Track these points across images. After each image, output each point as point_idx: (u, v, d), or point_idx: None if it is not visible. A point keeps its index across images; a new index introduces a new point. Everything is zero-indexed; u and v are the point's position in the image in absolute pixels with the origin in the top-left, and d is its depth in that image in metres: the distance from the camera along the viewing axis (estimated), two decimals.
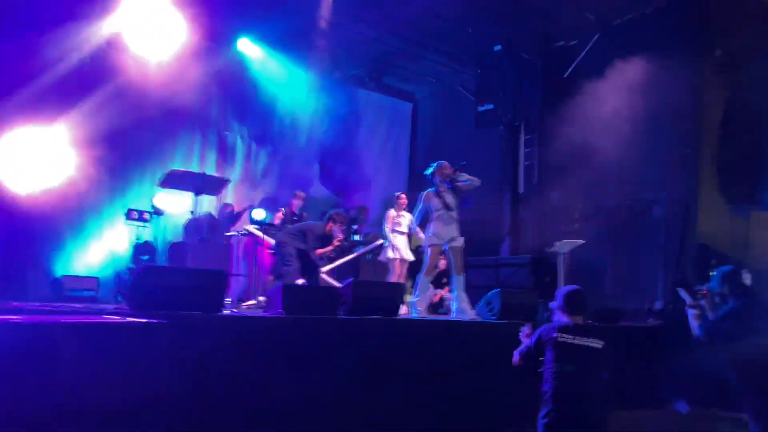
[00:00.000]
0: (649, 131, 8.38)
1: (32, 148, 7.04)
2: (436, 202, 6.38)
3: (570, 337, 3.42)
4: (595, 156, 9.01)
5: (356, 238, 8.60)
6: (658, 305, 7.48)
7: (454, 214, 6.42)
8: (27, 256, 6.94)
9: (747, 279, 4.40)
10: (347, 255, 7.99)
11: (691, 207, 7.79)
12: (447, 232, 6.34)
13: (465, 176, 6.50)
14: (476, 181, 6.54)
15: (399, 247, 7.45)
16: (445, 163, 6.58)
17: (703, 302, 4.18)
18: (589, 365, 3.40)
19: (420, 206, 6.52)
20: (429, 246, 6.35)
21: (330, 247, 6.66)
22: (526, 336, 3.72)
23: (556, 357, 3.38)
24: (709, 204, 7.74)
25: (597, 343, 3.44)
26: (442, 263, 7.23)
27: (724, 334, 3.92)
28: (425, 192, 6.52)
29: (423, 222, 6.74)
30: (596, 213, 8.73)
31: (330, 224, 6.60)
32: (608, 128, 8.83)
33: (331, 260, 7.53)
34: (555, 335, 3.43)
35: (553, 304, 3.76)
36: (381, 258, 7.74)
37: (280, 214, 7.82)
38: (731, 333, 3.88)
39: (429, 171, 6.57)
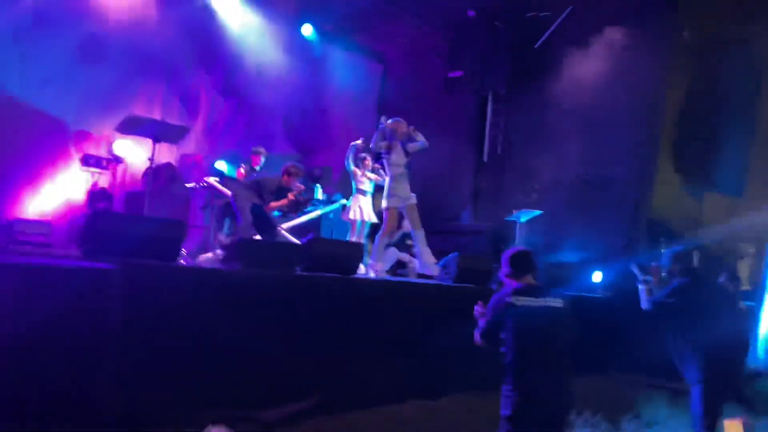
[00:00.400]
0: (613, 108, 8.52)
1: None
2: (394, 158, 6.37)
3: (526, 299, 3.17)
4: (559, 129, 9.16)
5: (319, 197, 8.57)
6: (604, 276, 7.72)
7: (407, 172, 6.46)
8: None
9: (695, 259, 4.57)
10: (309, 213, 7.96)
11: (647, 184, 7.98)
12: (404, 191, 6.37)
13: (420, 136, 6.47)
14: (425, 144, 6.51)
15: (362, 207, 7.45)
16: (403, 120, 6.54)
17: (651, 278, 4.36)
18: (553, 326, 3.17)
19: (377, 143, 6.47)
20: (388, 208, 6.36)
21: (285, 201, 6.47)
22: (480, 314, 3.42)
23: (517, 323, 3.13)
24: (665, 182, 7.95)
25: (557, 303, 3.23)
26: (406, 225, 7.27)
27: (668, 308, 4.11)
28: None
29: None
30: (556, 185, 8.88)
31: (285, 177, 6.45)
32: (573, 102, 8.96)
33: (288, 215, 7.47)
34: (510, 300, 3.17)
35: (500, 273, 3.49)
36: (343, 217, 7.73)
37: (241, 170, 7.70)
38: (675, 308, 4.07)
39: (384, 123, 6.52)
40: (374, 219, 7.56)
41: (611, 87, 8.57)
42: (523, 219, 7.70)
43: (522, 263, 3.39)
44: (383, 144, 6.38)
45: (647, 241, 8.13)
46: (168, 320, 3.68)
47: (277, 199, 6.42)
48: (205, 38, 9.01)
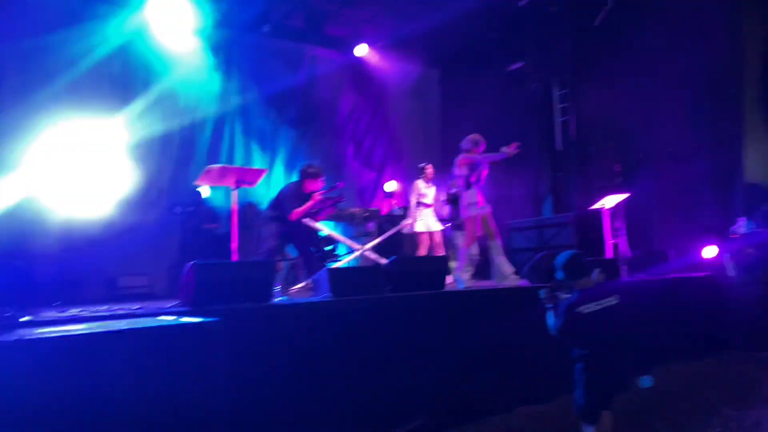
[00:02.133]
0: (688, 75, 8.08)
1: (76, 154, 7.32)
2: (467, 171, 6.42)
3: (589, 306, 3.34)
4: (633, 106, 8.78)
5: (397, 212, 8.61)
6: (708, 252, 7.28)
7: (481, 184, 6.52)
8: (84, 260, 7.17)
9: None
10: (387, 231, 8.00)
11: (738, 150, 7.49)
12: (479, 200, 6.41)
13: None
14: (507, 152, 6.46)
15: (422, 220, 7.43)
16: (478, 135, 6.54)
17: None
18: (612, 325, 3.36)
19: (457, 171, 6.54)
20: (468, 216, 6.36)
21: (310, 203, 6.16)
22: (549, 298, 3.58)
23: (584, 330, 3.34)
24: (757, 145, 7.44)
25: (612, 301, 3.39)
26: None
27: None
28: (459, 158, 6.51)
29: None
30: (639, 164, 8.51)
31: (304, 180, 6.26)
32: (644, 76, 8.57)
33: (317, 217, 7.52)
34: (577, 311, 3.34)
35: (558, 276, 3.54)
36: (406, 231, 7.72)
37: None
38: None
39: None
40: (439, 227, 7.52)
41: (683, 54, 8.14)
42: (608, 205, 7.42)
43: (575, 268, 3.50)
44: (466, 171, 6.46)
45: (746, 206, 7.63)
46: (271, 360, 3.81)
47: (301, 204, 6.17)
48: (263, 73, 9.31)
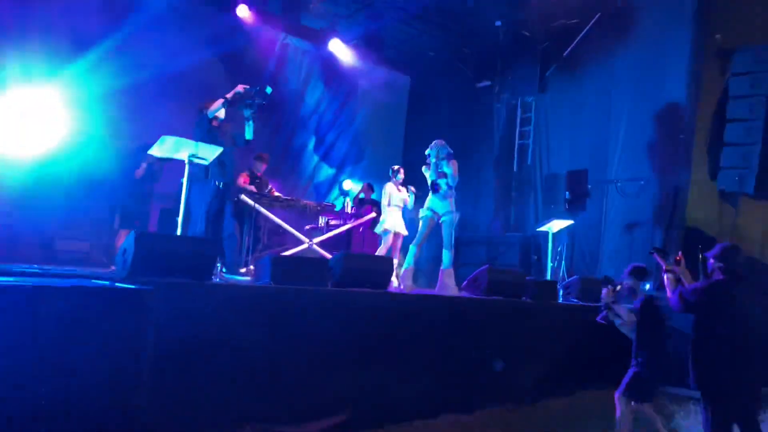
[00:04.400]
0: (645, 115, 8.41)
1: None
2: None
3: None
4: (589, 138, 9.08)
5: (348, 210, 8.63)
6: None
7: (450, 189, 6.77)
8: (22, 220, 6.92)
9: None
10: (341, 227, 8.03)
11: (682, 191, 7.83)
12: (444, 205, 6.69)
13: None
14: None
15: (394, 221, 7.50)
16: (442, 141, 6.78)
17: (677, 269, 4.17)
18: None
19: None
20: (424, 217, 6.55)
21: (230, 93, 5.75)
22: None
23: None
24: (700, 190, 7.79)
25: None
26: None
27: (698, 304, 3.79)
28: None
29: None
30: (587, 193, 8.78)
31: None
32: (603, 110, 8.87)
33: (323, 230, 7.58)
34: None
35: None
36: (376, 230, 7.79)
37: (244, 177, 7.73)
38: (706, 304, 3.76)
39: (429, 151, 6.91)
40: (405, 232, 7.60)
41: (643, 93, 8.47)
42: (554, 229, 7.63)
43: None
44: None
45: (683, 248, 7.96)
46: (201, 338, 3.75)
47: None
48: (233, 55, 9.17)
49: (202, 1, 8.81)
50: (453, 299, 5.80)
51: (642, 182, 8.35)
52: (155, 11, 8.17)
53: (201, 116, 5.87)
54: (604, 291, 4.64)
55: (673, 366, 4.60)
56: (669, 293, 4.06)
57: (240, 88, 5.67)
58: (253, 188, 7.44)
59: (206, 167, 5.40)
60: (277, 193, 7.71)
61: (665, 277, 4.14)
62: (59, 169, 7.24)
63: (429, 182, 6.94)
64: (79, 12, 7.60)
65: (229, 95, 5.70)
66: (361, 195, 9.14)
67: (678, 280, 4.10)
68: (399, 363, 4.80)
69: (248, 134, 5.84)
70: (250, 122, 5.78)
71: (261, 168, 7.71)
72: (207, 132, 5.66)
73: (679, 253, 4.27)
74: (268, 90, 5.66)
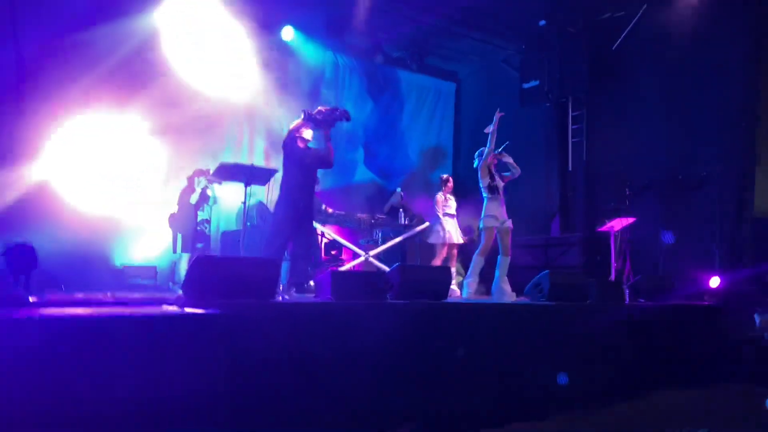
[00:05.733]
0: (701, 104, 8.11)
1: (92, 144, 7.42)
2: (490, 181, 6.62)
3: None
4: (645, 130, 8.81)
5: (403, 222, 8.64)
6: (713, 283, 7.27)
7: (503, 195, 6.64)
8: (91, 250, 7.24)
9: None
10: (394, 239, 8.05)
11: (747, 182, 7.50)
12: (500, 213, 6.58)
13: (509, 159, 6.56)
14: (517, 171, 6.73)
15: (449, 230, 7.47)
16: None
17: None
18: None
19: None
20: (487, 228, 6.44)
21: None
22: None
23: None
24: (766, 180, 7.45)
25: None
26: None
27: None
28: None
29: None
30: (647, 189, 8.51)
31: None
32: (658, 101, 8.61)
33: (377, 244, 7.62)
34: None
35: None
36: (430, 240, 7.78)
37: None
38: None
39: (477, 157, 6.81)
40: (461, 240, 7.56)
41: (698, 81, 8.18)
42: (616, 228, 7.43)
43: None
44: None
45: (752, 241, 7.62)
46: (265, 357, 3.83)
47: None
48: (282, 77, 9.37)
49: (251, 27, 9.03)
50: (516, 306, 5.72)
51: (704, 174, 8.03)
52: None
53: (293, 144, 5.87)
54: None
55: None
56: None
57: (323, 109, 5.82)
58: None
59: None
60: (329, 209, 7.82)
61: None
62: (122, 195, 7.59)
63: (487, 186, 6.73)
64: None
65: (316, 116, 5.80)
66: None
67: None
68: (463, 373, 4.77)
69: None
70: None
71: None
72: (300, 158, 5.71)
73: None
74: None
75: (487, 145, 6.60)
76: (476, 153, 6.81)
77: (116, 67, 7.50)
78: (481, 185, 6.69)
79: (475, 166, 6.78)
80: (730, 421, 4.39)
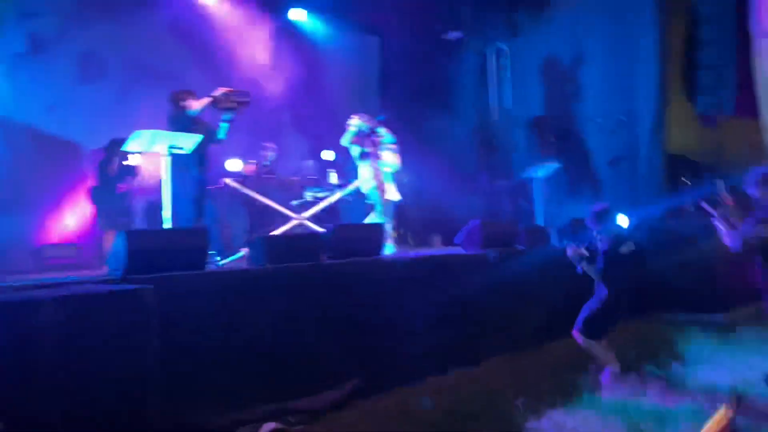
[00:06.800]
0: (618, 46, 8.36)
1: None
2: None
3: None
4: (567, 78, 9.03)
5: (334, 182, 8.57)
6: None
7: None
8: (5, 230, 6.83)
9: None
10: (326, 199, 7.98)
11: (660, 120, 7.85)
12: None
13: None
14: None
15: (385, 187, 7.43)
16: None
17: (727, 210, 4.26)
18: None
19: None
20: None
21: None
22: None
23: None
24: (677, 116, 7.82)
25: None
26: None
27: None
28: None
29: None
30: (568, 135, 8.78)
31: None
32: (578, 50, 8.81)
33: (311, 205, 7.54)
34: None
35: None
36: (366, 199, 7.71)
37: (252, 167, 7.72)
38: None
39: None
40: (398, 197, 7.51)
41: (611, 26, 8.41)
42: (540, 174, 7.64)
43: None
44: None
45: (667, 176, 8.03)
46: (204, 327, 3.78)
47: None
48: (196, 37, 8.95)
49: None
50: (450, 257, 5.83)
51: (622, 117, 8.33)
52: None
53: (178, 111, 5.78)
54: (569, 251, 4.62)
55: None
56: (727, 239, 4.13)
57: (223, 90, 5.71)
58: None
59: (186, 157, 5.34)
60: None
61: (716, 223, 4.20)
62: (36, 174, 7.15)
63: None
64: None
65: (215, 94, 5.70)
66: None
67: (729, 222, 4.16)
68: (405, 326, 4.87)
69: (222, 134, 5.87)
70: (226, 124, 5.81)
71: (266, 157, 7.72)
72: (185, 128, 5.57)
73: (729, 197, 4.33)
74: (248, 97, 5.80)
75: None
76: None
77: None
78: None
79: None
80: None
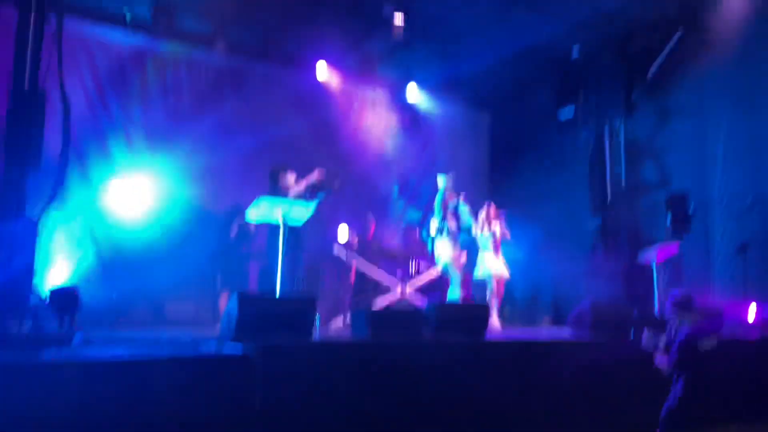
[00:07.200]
0: (744, 128, 7.91)
1: None
2: None
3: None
4: (688, 157, 8.62)
5: None
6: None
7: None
8: (133, 285, 7.38)
9: None
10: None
11: None
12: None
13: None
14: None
15: (492, 264, 7.31)
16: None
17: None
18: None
19: None
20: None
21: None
22: None
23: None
24: None
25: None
26: None
27: None
28: None
29: None
30: (690, 219, 8.26)
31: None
32: (698, 127, 8.45)
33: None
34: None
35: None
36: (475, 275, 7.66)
37: (355, 237, 7.95)
38: None
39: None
40: (507, 274, 7.33)
41: (738, 107, 8.00)
42: (658, 259, 7.21)
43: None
44: None
45: None
46: (304, 395, 3.82)
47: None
48: (316, 112, 9.47)
49: (283, 64, 9.22)
50: (553, 343, 5.56)
51: (750, 198, 7.75)
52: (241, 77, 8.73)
53: (276, 189, 6.13)
54: (644, 339, 4.30)
55: None
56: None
57: (319, 174, 6.07)
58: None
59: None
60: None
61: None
62: (164, 236, 7.75)
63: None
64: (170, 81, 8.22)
65: (312, 178, 6.09)
66: None
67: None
68: (500, 409, 4.67)
69: (310, 213, 5.81)
70: (316, 202, 5.93)
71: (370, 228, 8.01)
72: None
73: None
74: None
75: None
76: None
77: None
78: None
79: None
80: None
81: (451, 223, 7.13)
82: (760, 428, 5.65)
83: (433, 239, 7.30)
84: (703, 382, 3.99)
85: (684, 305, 4.20)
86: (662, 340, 4.16)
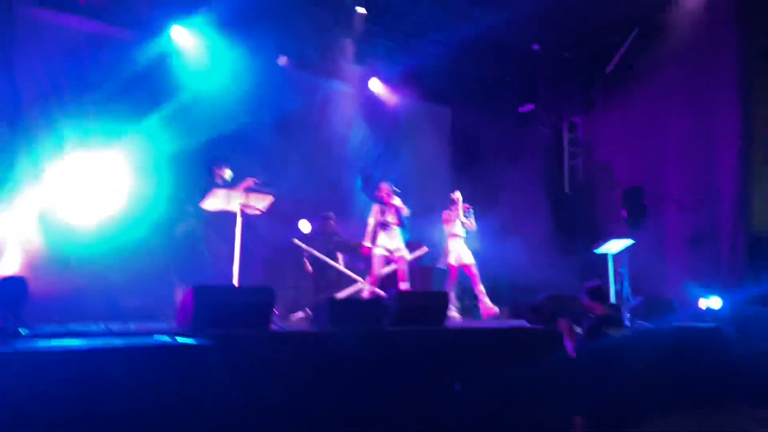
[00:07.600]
0: (698, 126, 8.14)
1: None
2: None
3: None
4: (643, 152, 8.83)
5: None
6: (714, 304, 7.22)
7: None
8: (84, 277, 7.18)
9: None
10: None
11: (745, 201, 7.49)
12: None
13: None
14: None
15: (456, 251, 7.38)
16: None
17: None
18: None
19: None
20: None
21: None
22: None
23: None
24: (764, 198, 7.43)
25: None
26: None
27: None
28: None
29: None
30: (644, 211, 8.49)
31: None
32: (653, 125, 8.65)
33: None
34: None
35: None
36: (441, 265, 7.72)
37: (317, 233, 7.93)
38: None
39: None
40: (472, 260, 7.44)
41: (690, 105, 8.23)
42: (614, 250, 7.39)
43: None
44: None
45: (751, 259, 7.57)
46: (263, 386, 3.78)
47: None
48: (284, 106, 9.38)
49: (245, 54, 9.08)
50: (511, 331, 5.65)
51: (701, 196, 8.02)
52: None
53: (214, 183, 6.18)
54: (559, 324, 4.50)
55: None
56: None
57: (251, 182, 5.97)
58: None
59: None
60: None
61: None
62: (119, 229, 7.55)
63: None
64: (141, 74, 8.02)
65: (244, 186, 5.95)
66: None
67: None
68: (465, 397, 4.71)
69: (267, 202, 5.90)
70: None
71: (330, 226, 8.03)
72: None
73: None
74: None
75: None
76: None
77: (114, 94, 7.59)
78: None
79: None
80: None
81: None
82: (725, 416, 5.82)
83: None
84: (619, 370, 4.18)
85: (594, 295, 4.44)
86: (576, 327, 4.37)
